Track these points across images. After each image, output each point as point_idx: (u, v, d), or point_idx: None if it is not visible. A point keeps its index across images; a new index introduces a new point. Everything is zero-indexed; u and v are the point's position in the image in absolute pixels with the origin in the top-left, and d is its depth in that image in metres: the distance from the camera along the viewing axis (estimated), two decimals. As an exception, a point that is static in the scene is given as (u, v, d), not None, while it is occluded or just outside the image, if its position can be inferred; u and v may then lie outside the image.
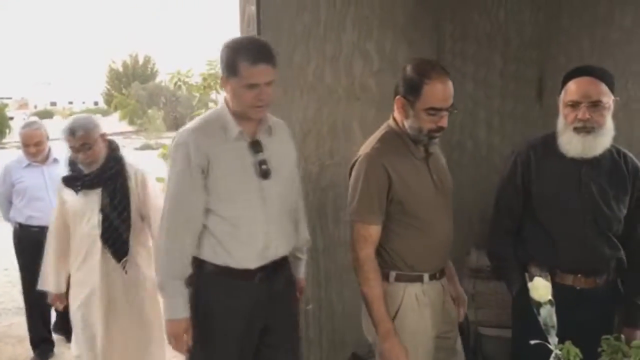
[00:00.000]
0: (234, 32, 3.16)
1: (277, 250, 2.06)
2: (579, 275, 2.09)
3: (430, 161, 2.07)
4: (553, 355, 1.64)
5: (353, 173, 2.05)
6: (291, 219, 2.15)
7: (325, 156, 2.93)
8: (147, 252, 2.98)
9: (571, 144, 2.06)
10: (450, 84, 1.96)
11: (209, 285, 2.03)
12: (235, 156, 2.00)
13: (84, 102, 64.43)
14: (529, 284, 1.60)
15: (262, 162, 2.00)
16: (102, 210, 2.80)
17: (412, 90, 1.95)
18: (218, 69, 6.38)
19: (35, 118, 3.86)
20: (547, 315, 1.59)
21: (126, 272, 2.85)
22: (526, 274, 1.68)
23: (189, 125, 2.07)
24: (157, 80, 39.67)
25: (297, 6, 2.80)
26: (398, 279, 2.03)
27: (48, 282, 2.98)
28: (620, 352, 1.46)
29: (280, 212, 2.06)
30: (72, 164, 2.92)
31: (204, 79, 5.77)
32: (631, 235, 2.15)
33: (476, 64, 3.34)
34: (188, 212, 1.97)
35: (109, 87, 47.87)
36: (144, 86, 32.74)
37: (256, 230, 2.00)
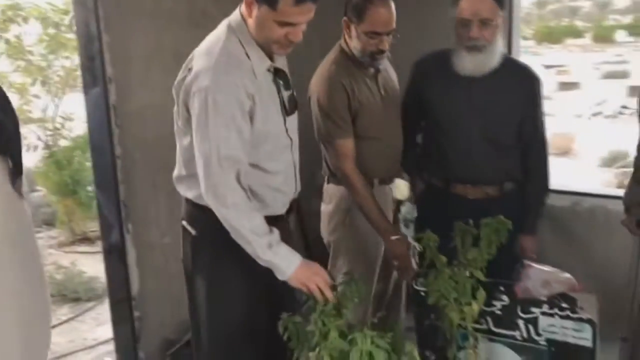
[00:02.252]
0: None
1: (298, 187, 1.94)
2: (468, 185, 2.21)
3: (379, 77, 2.22)
4: (411, 246, 1.87)
5: (315, 97, 2.12)
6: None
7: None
8: None
9: (463, 62, 2.13)
10: (392, 9, 2.08)
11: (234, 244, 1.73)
12: (265, 93, 1.74)
13: None
14: (391, 185, 1.80)
15: (292, 97, 1.83)
16: None
17: (356, 14, 2.09)
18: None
19: None
20: (407, 211, 1.80)
21: None
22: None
23: (209, 61, 1.68)
24: None
25: None
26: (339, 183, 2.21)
27: None
28: (470, 234, 1.72)
29: (297, 147, 1.92)
30: None
31: (3, 12, 5.08)
32: (527, 150, 2.26)
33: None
34: (243, 167, 1.71)
35: None
36: None
37: (289, 174, 1.87)
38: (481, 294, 1.64)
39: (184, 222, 1.96)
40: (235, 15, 1.78)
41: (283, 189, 1.85)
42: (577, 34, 29.62)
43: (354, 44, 2.14)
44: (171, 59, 2.82)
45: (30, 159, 5.67)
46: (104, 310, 3.87)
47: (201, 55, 1.73)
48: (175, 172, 1.96)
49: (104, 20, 2.46)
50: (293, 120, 1.87)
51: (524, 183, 2.29)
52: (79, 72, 3.68)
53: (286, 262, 1.71)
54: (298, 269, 1.70)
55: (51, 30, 5.45)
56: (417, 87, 2.31)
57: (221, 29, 1.78)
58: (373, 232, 2.11)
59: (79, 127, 5.86)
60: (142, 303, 2.80)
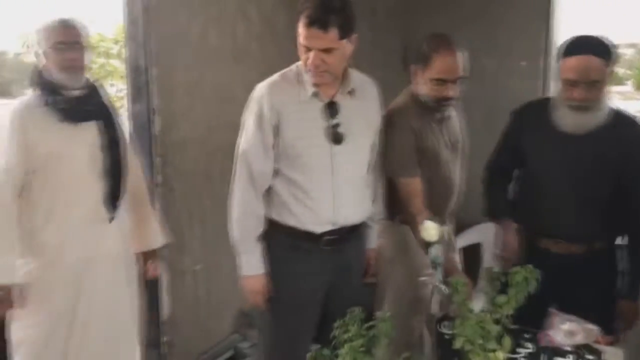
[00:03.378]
0: None
1: (346, 218, 1.98)
2: (556, 240, 2.14)
3: (445, 123, 2.25)
4: (437, 290, 1.88)
5: (382, 135, 2.13)
6: (365, 187, 2.05)
7: (212, 119, 2.95)
8: None
9: (565, 120, 2.07)
10: (458, 57, 2.09)
11: (274, 245, 2.00)
12: (307, 117, 1.91)
13: None
14: (420, 226, 1.82)
15: (335, 126, 1.91)
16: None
17: (422, 61, 2.12)
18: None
19: None
20: (436, 254, 1.81)
21: None
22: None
23: (268, 79, 1.97)
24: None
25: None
26: (403, 221, 2.23)
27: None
28: (499, 281, 1.72)
29: (351, 179, 1.97)
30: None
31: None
32: (629, 207, 2.12)
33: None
34: (256, 169, 1.93)
35: None
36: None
37: (323, 196, 1.93)
38: (507, 341, 1.63)
39: None
40: None
41: (313, 207, 1.93)
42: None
43: (421, 90, 2.17)
44: (212, 93, 2.94)
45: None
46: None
47: None
48: None
49: (153, 54, 2.58)
50: (346, 150, 1.93)
51: (630, 242, 2.17)
52: (123, 100, 3.87)
53: (243, 267, 1.99)
54: (251, 277, 1.98)
55: (101, 59, 5.69)
56: (514, 136, 2.25)
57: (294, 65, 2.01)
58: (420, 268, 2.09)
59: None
60: (171, 328, 2.86)
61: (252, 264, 1.99)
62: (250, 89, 2.93)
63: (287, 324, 2.03)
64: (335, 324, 1.60)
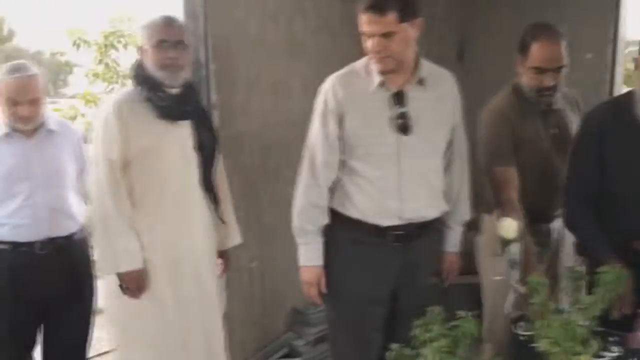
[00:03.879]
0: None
1: (414, 212, 1.92)
2: None
3: (551, 116, 2.19)
4: (512, 290, 1.81)
5: (481, 126, 2.16)
6: (438, 182, 1.97)
7: (268, 114, 2.93)
8: None
9: None
10: (557, 45, 2.07)
11: (338, 238, 1.97)
12: (373, 107, 1.88)
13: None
14: (497, 224, 1.75)
15: (401, 116, 1.87)
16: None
17: (522, 49, 2.12)
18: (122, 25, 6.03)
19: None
20: (514, 252, 1.74)
21: None
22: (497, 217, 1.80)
23: (337, 72, 1.96)
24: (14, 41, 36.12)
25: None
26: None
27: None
28: (582, 280, 1.64)
29: (421, 172, 1.91)
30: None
31: (105, 37, 5.41)
32: None
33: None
34: (320, 160, 1.92)
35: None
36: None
37: (388, 187, 1.89)
38: (594, 343, 1.55)
39: None
40: None
41: (378, 198, 1.90)
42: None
43: (523, 80, 2.16)
44: (269, 88, 2.92)
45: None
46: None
47: None
48: None
49: (212, 48, 2.56)
50: (415, 141, 1.88)
51: None
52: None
53: (302, 257, 1.98)
54: (307, 268, 1.97)
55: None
56: (593, 143, 2.06)
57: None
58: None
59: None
60: (226, 324, 2.84)
61: (310, 254, 1.97)
62: (306, 84, 2.93)
63: (351, 320, 2.00)
64: (415, 323, 1.54)
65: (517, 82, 2.20)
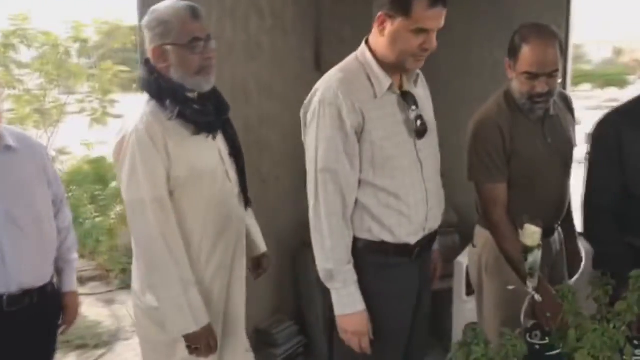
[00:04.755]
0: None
1: (434, 220, 1.82)
2: None
3: (546, 123, 2.03)
4: (529, 296, 1.76)
5: (469, 136, 2.00)
6: (442, 185, 1.89)
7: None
8: None
9: None
10: (550, 48, 1.90)
11: (362, 269, 1.72)
12: (386, 113, 1.71)
13: None
14: (520, 232, 1.67)
15: (418, 118, 1.74)
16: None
17: (512, 53, 1.95)
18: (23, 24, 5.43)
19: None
20: (534, 260, 1.68)
21: None
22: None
23: (329, 76, 1.70)
24: None
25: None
26: None
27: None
28: (610, 286, 1.61)
29: (436, 175, 1.83)
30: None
31: (5, 37, 4.86)
32: None
33: (353, 26, 3.35)
34: (345, 184, 1.67)
35: None
36: None
37: (417, 200, 1.74)
38: (629, 350, 1.52)
39: None
40: (361, 47, 1.79)
41: (409, 214, 1.74)
42: None
43: (514, 86, 1.99)
44: (229, 92, 2.70)
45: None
46: (114, 357, 3.64)
47: (322, 79, 1.74)
48: None
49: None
50: (427, 144, 1.79)
51: None
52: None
53: (342, 304, 1.70)
54: (351, 316, 1.70)
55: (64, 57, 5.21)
56: (612, 149, 2.01)
57: (347, 59, 1.79)
58: (519, 282, 1.96)
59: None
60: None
61: (352, 299, 1.70)
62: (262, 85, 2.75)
63: (383, 356, 1.80)
64: (453, 343, 1.43)
65: (507, 88, 2.06)
